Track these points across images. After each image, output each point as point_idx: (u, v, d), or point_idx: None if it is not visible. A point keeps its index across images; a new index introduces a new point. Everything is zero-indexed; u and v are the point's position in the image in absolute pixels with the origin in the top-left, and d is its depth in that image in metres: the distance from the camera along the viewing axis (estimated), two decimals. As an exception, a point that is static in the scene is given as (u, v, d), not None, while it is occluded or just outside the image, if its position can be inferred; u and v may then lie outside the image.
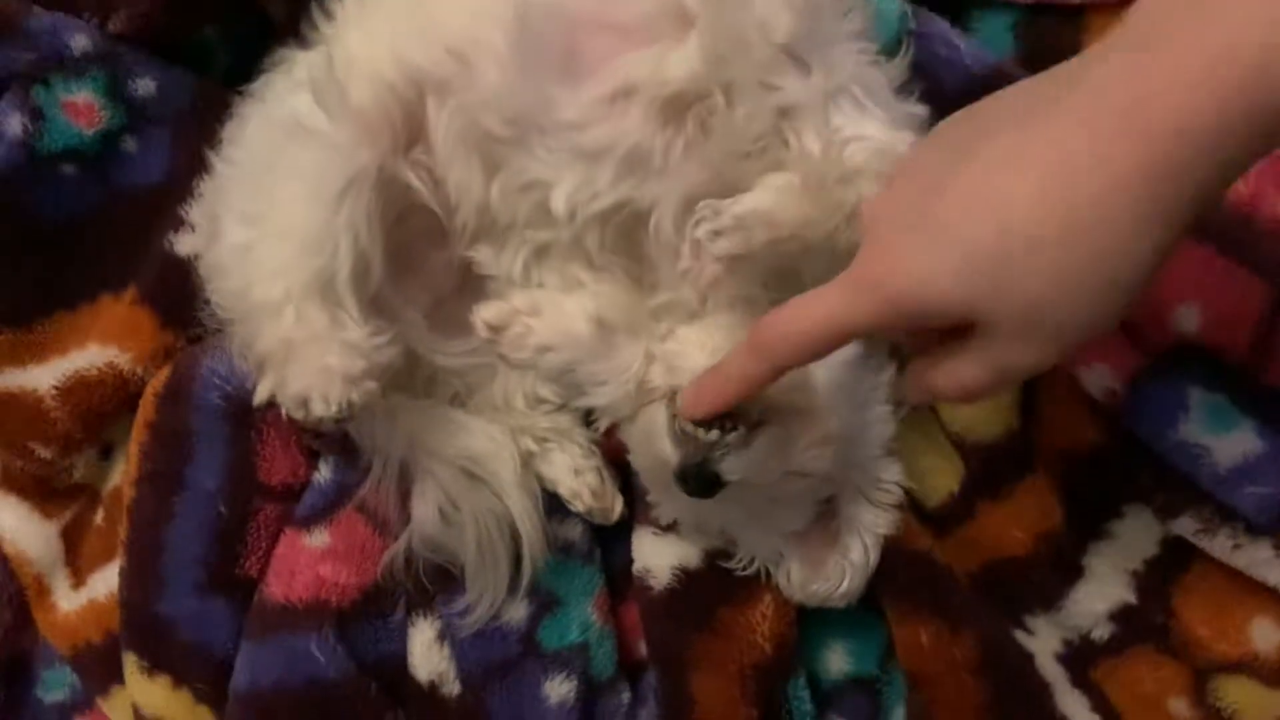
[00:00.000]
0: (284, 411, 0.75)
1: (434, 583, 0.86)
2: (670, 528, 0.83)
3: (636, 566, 0.85)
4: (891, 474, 0.78)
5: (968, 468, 0.80)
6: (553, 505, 0.87)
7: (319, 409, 0.73)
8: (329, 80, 0.74)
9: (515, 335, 0.73)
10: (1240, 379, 0.72)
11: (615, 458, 0.86)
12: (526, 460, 0.86)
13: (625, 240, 0.74)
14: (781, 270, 0.71)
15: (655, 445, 0.72)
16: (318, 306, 0.75)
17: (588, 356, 0.73)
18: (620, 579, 0.88)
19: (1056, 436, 0.77)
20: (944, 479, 0.80)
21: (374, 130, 0.74)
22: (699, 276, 0.69)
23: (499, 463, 0.84)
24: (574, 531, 0.88)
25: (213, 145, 0.85)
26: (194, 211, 0.89)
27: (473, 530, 0.83)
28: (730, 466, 0.69)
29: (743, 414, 0.68)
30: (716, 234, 0.66)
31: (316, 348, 0.74)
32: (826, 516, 0.79)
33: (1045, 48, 0.78)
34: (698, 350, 0.72)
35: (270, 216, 0.77)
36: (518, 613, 0.86)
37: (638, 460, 0.80)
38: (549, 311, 0.73)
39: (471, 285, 0.82)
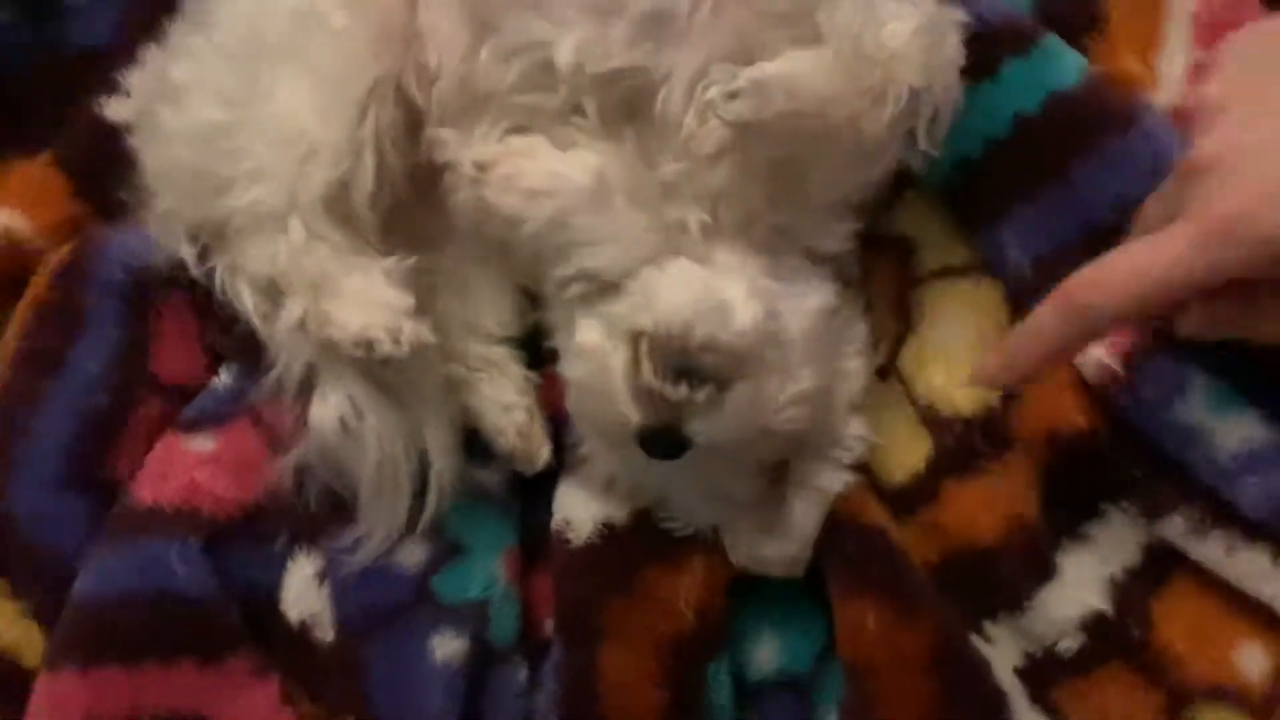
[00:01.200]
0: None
1: (324, 514, 0.76)
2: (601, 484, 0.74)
3: (556, 519, 0.75)
4: (855, 429, 0.70)
5: (937, 444, 0.71)
6: (473, 447, 0.78)
7: (389, 348, 0.68)
8: None
9: (504, 176, 0.66)
10: (1246, 364, 0.65)
11: (550, 410, 0.78)
12: (453, 388, 0.77)
13: (627, 111, 0.68)
14: (788, 177, 0.65)
15: (609, 401, 0.64)
16: (331, 225, 0.71)
17: (585, 207, 0.65)
18: (536, 542, 0.78)
19: (1039, 418, 0.69)
20: (909, 456, 0.72)
21: (392, 34, 0.70)
22: (702, 141, 0.62)
23: (420, 378, 0.75)
24: (492, 479, 0.79)
25: (169, 12, 0.80)
26: (135, 77, 0.81)
27: (375, 447, 0.74)
28: (699, 428, 0.63)
29: (712, 370, 0.62)
30: (730, 96, 0.60)
31: (361, 280, 0.70)
32: (777, 479, 0.71)
33: (1063, 5, 0.74)
34: (682, 290, 0.64)
35: (262, 106, 0.71)
36: (413, 556, 0.76)
37: (579, 409, 0.71)
38: (544, 156, 0.66)
39: (432, 198, 0.75)
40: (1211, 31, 0.73)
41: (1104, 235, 0.66)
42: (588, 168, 0.66)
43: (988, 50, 0.70)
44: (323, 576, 0.76)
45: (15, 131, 0.84)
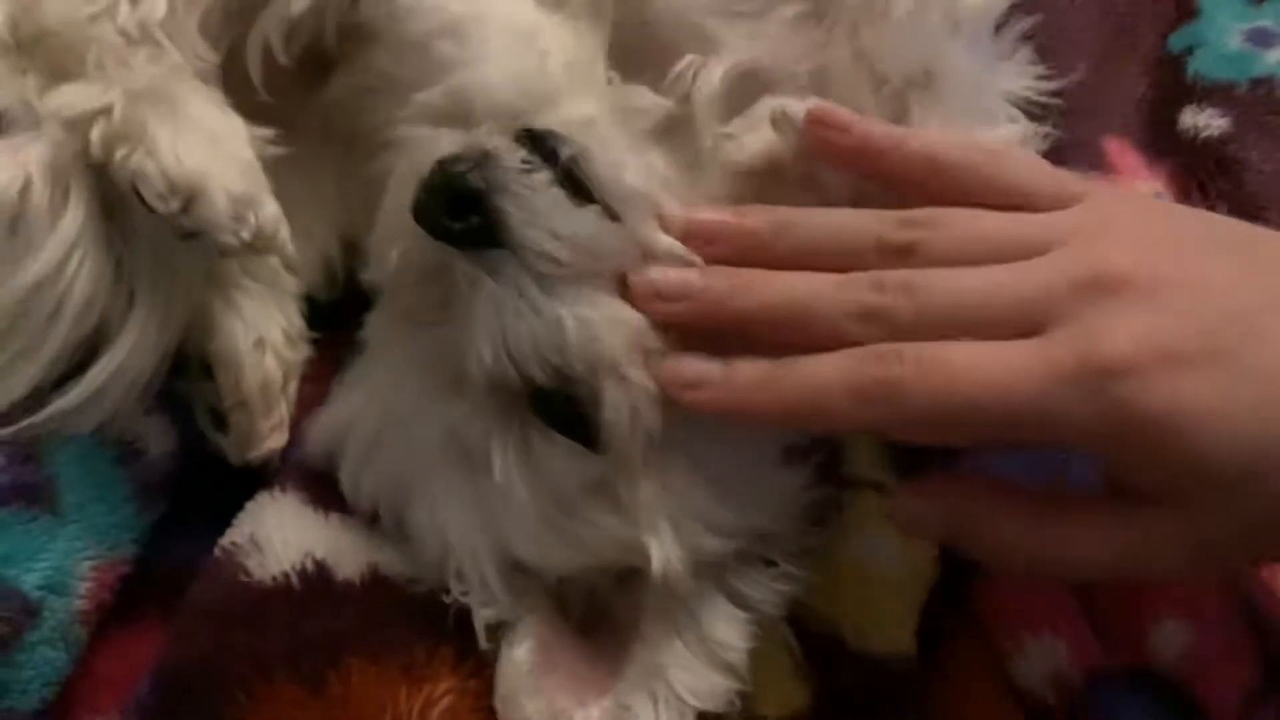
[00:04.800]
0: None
1: None
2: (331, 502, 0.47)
3: (233, 535, 0.46)
4: (731, 635, 0.47)
5: (830, 683, 0.49)
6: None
7: (223, 223, 0.44)
8: None
9: None
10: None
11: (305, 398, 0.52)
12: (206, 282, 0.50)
13: (631, 57, 0.50)
14: None
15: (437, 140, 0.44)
16: (205, 46, 0.49)
17: (505, 29, 0.46)
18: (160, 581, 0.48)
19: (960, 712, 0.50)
20: (787, 687, 0.49)
21: None
22: (739, 149, 0.46)
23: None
24: (158, 438, 0.49)
25: None
26: None
27: (45, 266, 0.44)
28: (524, 212, 0.42)
29: (598, 183, 0.43)
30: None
31: (216, 116, 0.47)
32: (598, 625, 0.47)
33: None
34: None
35: None
36: None
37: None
38: None
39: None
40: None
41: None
42: (529, 11, 0.49)
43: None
44: None
45: None
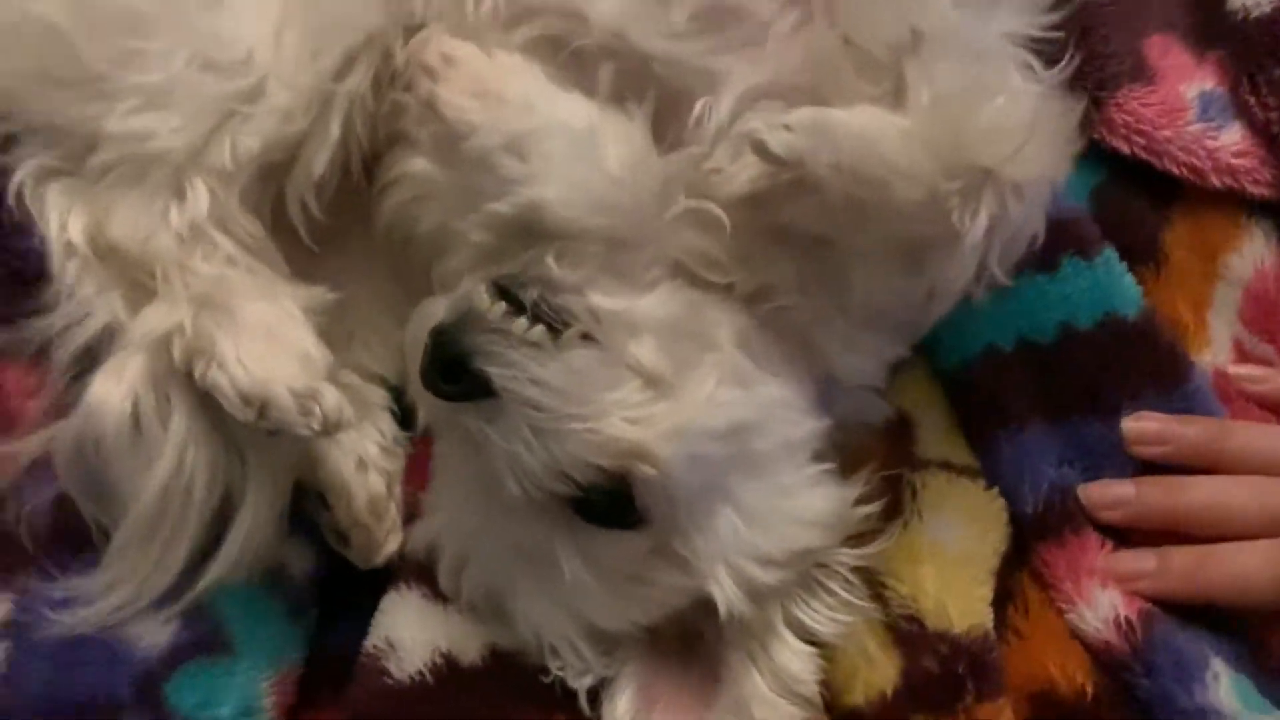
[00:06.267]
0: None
1: (43, 539, 0.53)
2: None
3: (374, 639, 0.54)
4: (802, 669, 0.53)
5: (909, 668, 0.55)
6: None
7: (293, 419, 0.49)
8: None
9: (475, 74, 0.49)
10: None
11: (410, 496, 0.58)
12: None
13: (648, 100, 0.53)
14: (825, 263, 0.51)
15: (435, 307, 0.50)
16: (245, 209, 0.53)
17: (565, 138, 0.49)
18: (325, 672, 0.56)
19: (1034, 665, 0.56)
20: (873, 673, 0.55)
21: None
22: (729, 180, 0.48)
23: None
24: (294, 557, 0.57)
25: None
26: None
27: (169, 466, 0.51)
28: (495, 356, 0.47)
29: (566, 313, 0.48)
30: (782, 127, 0.47)
31: (269, 310, 0.52)
32: (694, 646, 0.54)
33: (1120, 225, 0.66)
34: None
35: (200, 9, 0.54)
36: (153, 635, 0.53)
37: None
38: (534, 77, 0.50)
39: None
40: (1258, 305, 0.67)
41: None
42: (585, 110, 0.51)
43: (1048, 239, 0.59)
44: (6, 632, 0.52)
45: None
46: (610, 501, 0.49)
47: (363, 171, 0.57)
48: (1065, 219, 0.62)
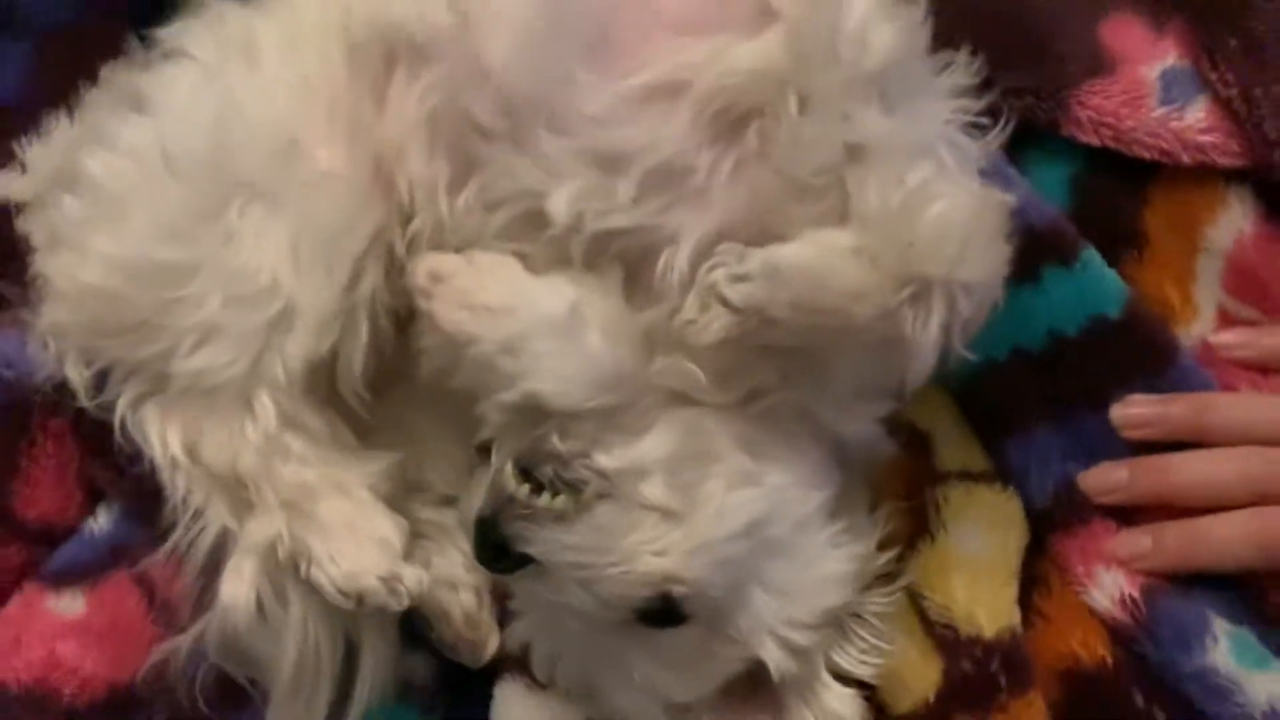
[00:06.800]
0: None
1: (213, 704, 0.62)
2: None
3: None
4: (845, 709, 0.61)
5: (950, 671, 0.63)
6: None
7: (384, 599, 0.59)
8: None
9: (461, 289, 0.56)
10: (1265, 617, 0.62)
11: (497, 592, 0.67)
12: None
13: (619, 262, 0.59)
14: (806, 359, 0.56)
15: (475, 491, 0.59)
16: (309, 409, 0.61)
17: (549, 332, 0.55)
18: None
19: (1059, 645, 0.64)
20: (917, 680, 0.64)
21: (387, 175, 0.61)
22: (702, 330, 0.53)
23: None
24: (417, 668, 0.67)
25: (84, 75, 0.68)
26: (37, 150, 0.68)
27: (298, 638, 0.61)
28: (530, 536, 0.55)
29: (580, 480, 0.56)
30: (739, 279, 0.52)
31: (347, 506, 0.60)
32: (760, 687, 0.62)
33: (1100, 213, 0.69)
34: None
35: (224, 252, 0.60)
36: None
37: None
38: (512, 275, 0.57)
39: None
40: (1239, 272, 0.69)
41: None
42: (562, 296, 0.57)
43: (1028, 251, 0.64)
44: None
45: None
46: (661, 609, 0.57)
47: (398, 331, 0.64)
48: (1043, 227, 0.66)
